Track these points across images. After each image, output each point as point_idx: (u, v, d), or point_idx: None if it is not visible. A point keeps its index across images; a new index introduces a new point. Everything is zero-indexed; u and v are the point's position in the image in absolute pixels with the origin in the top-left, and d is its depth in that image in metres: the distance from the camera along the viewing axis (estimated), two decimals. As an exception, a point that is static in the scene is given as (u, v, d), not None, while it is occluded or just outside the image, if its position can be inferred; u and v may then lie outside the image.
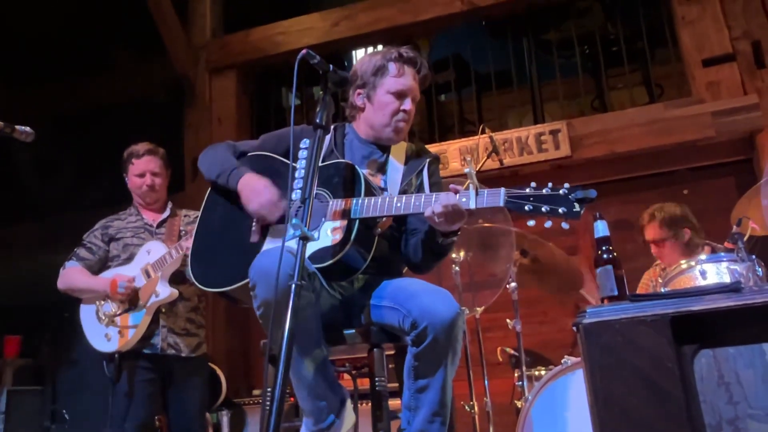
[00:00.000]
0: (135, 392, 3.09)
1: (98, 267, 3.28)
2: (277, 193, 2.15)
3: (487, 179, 4.31)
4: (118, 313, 3.14)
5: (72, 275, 3.25)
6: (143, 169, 3.32)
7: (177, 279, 3.19)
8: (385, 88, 2.27)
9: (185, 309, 3.25)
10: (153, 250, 3.18)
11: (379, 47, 2.91)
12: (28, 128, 2.58)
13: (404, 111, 2.26)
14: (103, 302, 3.20)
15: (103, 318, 3.18)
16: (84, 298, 3.27)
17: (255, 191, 2.16)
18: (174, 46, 5.81)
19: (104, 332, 3.15)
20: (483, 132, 4.04)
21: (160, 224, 3.33)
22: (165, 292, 3.11)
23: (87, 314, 3.25)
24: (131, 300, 3.12)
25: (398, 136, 2.31)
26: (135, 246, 3.24)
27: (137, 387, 3.10)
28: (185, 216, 3.38)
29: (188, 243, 2.91)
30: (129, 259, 3.22)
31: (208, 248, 2.27)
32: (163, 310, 3.17)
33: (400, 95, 2.26)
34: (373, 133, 2.33)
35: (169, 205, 3.42)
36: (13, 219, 6.53)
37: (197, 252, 2.29)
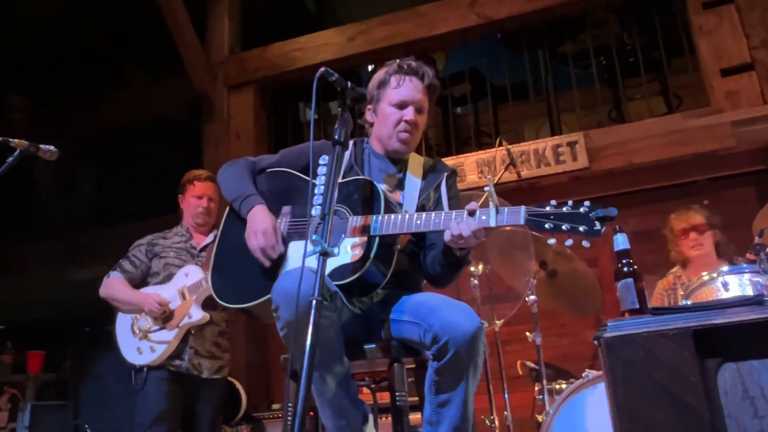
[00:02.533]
0: (161, 402, 3.20)
1: (139, 281, 3.43)
2: (272, 239, 2.14)
3: (505, 191, 4.32)
4: (152, 329, 3.28)
5: (115, 286, 3.39)
6: (202, 192, 3.52)
7: (208, 304, 3.27)
8: (387, 101, 2.29)
9: (213, 333, 3.40)
10: (191, 274, 3.33)
11: (396, 62, 2.92)
12: (52, 147, 2.63)
13: (406, 121, 2.26)
14: (139, 317, 3.34)
15: (138, 332, 3.32)
16: (122, 309, 3.40)
17: (254, 232, 2.17)
18: (193, 63, 5.88)
19: (137, 345, 3.30)
20: (500, 144, 4.04)
21: (203, 248, 3.47)
22: (197, 315, 3.26)
23: (123, 325, 3.39)
24: (165, 319, 3.27)
25: (405, 147, 2.31)
26: (175, 267, 3.39)
27: (163, 398, 3.21)
28: None
29: None
30: (168, 278, 3.37)
31: (229, 264, 2.29)
32: (193, 332, 3.31)
33: (401, 106, 2.27)
34: (382, 146, 2.35)
35: (215, 231, 3.48)
36: (36, 236, 6.63)
37: (218, 267, 2.31)
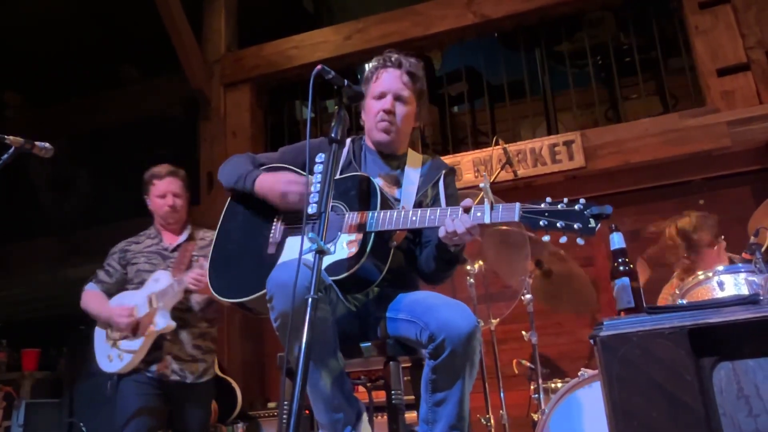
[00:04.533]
0: (135, 401, 3.13)
1: (116, 289, 3.35)
2: (301, 179, 2.19)
3: (502, 191, 4.31)
4: (119, 338, 3.22)
5: (88, 299, 3.33)
6: (165, 190, 3.36)
7: (182, 307, 3.24)
8: (370, 95, 2.34)
9: (192, 336, 3.28)
10: (160, 279, 3.22)
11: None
12: (47, 144, 2.63)
13: (383, 110, 2.28)
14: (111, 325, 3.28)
15: (109, 339, 3.27)
16: (98, 323, 3.36)
17: (285, 183, 2.19)
18: (189, 61, 5.87)
19: (108, 353, 3.24)
20: (496, 143, 4.04)
21: (175, 248, 3.36)
22: (162, 323, 3.14)
23: (99, 334, 3.35)
24: (133, 328, 3.18)
25: (386, 136, 2.32)
26: (146, 272, 3.29)
27: (137, 397, 3.14)
28: (201, 239, 3.41)
29: (194, 274, 3.03)
30: (141, 284, 3.28)
31: (226, 259, 2.29)
32: (168, 337, 3.20)
33: (380, 96, 2.31)
34: (370, 139, 2.38)
35: (189, 228, 3.44)
36: (32, 234, 6.61)
37: (215, 262, 2.31)
